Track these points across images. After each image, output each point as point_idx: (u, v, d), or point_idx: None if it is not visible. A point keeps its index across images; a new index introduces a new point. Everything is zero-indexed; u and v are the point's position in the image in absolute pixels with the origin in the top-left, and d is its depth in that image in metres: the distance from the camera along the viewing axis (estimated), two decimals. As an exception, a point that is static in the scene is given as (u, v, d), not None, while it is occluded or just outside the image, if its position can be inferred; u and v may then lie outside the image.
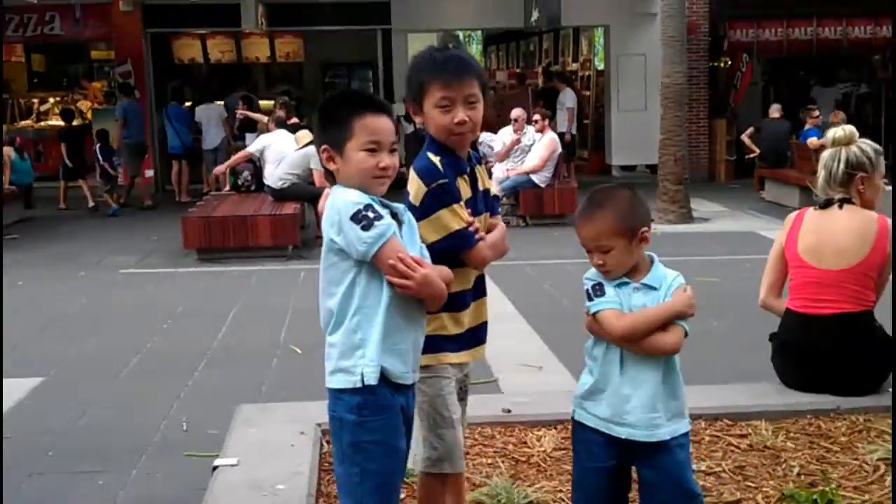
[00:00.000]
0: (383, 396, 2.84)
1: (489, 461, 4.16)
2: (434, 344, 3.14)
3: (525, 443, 4.34)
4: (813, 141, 14.38)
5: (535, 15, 17.63)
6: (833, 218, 4.86)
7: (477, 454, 4.22)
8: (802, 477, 3.94)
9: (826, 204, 4.94)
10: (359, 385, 2.81)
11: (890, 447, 4.04)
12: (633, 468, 3.17)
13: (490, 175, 11.77)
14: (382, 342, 2.82)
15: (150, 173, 18.69)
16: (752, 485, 3.88)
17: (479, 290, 3.29)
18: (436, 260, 3.03)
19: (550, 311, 8.59)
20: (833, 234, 4.81)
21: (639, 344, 3.02)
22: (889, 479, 3.83)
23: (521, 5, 18.17)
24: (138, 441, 5.44)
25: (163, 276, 10.80)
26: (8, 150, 16.25)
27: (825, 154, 5.01)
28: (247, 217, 11.65)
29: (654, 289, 3.05)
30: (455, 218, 3.10)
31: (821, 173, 5.00)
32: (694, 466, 3.89)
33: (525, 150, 13.87)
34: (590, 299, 3.09)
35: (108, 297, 9.78)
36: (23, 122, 20.07)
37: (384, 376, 2.83)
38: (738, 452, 4.21)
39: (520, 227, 13.49)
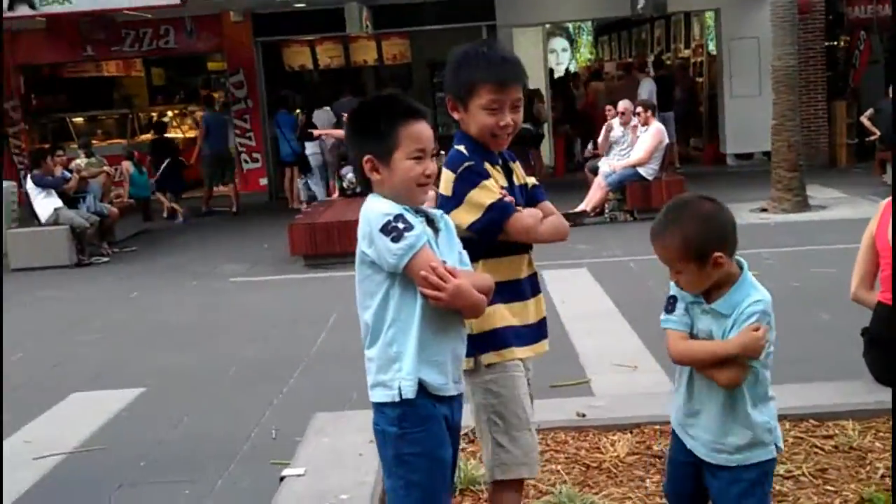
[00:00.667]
0: (424, 407, 2.80)
1: (558, 467, 4.07)
2: (498, 338, 3.11)
3: (598, 448, 4.25)
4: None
5: (641, 2, 17.33)
6: (923, 204, 4.60)
7: (547, 460, 4.14)
8: (887, 479, 3.75)
9: (918, 189, 4.70)
10: (397, 399, 2.78)
11: None
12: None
13: (596, 171, 11.59)
14: (419, 354, 2.77)
15: (263, 181, 19.07)
16: (832, 489, 3.71)
17: (535, 287, 3.27)
18: (480, 242, 3.04)
19: (651, 308, 8.27)
20: (924, 221, 4.56)
21: (697, 370, 2.92)
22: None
23: (628, -7, 17.91)
24: (228, 450, 5.52)
25: (270, 284, 10.97)
26: (126, 165, 16.76)
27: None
28: (350, 222, 11.69)
29: (724, 315, 2.87)
30: (486, 193, 3.08)
31: (912, 157, 4.76)
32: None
33: (632, 142, 13.63)
34: (664, 311, 3.00)
35: (216, 305, 9.98)
36: (143, 136, 20.66)
37: (423, 388, 2.79)
38: (822, 454, 4.03)
39: (627, 222, 13.27)
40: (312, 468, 4.09)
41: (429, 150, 2.84)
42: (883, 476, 3.78)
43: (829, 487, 3.72)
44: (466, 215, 3.08)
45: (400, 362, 2.78)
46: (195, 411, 6.35)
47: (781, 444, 2.98)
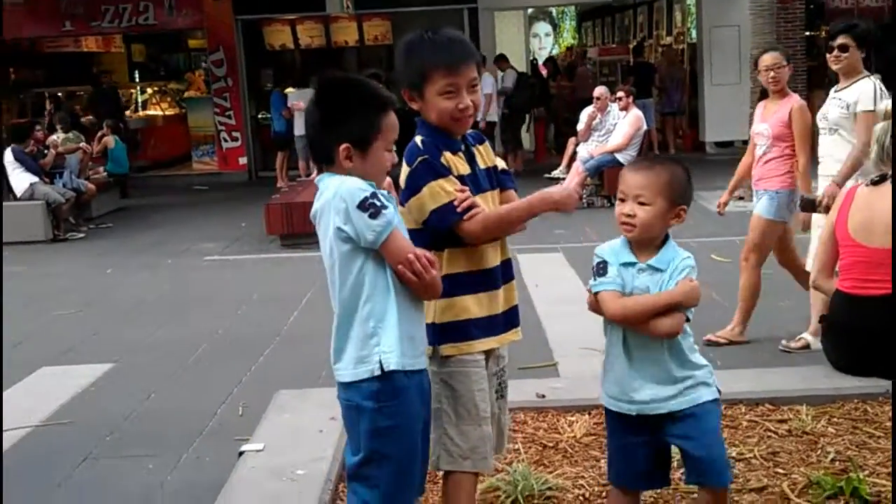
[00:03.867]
0: (398, 380, 2.83)
1: (517, 446, 4.13)
2: (458, 331, 3.10)
3: (556, 428, 4.31)
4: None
5: (622, -12, 17.36)
6: (885, 194, 4.68)
7: (505, 440, 4.19)
8: (837, 463, 3.83)
9: (879, 180, 4.77)
10: (377, 373, 2.81)
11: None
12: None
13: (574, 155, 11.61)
14: (397, 328, 2.82)
15: (243, 160, 19.04)
16: (782, 471, 3.78)
17: (507, 274, 3.25)
18: (434, 237, 3.05)
19: (622, 293, 8.45)
20: (884, 210, 4.62)
21: (635, 327, 2.98)
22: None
23: (611, -22, 17.95)
24: (194, 425, 5.54)
25: (244, 263, 10.97)
26: (108, 140, 16.62)
27: (877, 128, 4.84)
28: (327, 202, 11.70)
29: (660, 270, 3.00)
30: (434, 196, 3.05)
31: (873, 148, 4.84)
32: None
33: (609, 128, 13.67)
34: (593, 277, 3.08)
35: (190, 283, 9.98)
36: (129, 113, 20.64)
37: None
38: (775, 438, 4.10)
39: (604, 208, 13.32)
40: (271, 444, 4.14)
41: (395, 139, 2.92)
42: (833, 460, 3.85)
43: (778, 470, 3.79)
44: (417, 213, 3.08)
45: (378, 336, 2.82)
46: (163, 387, 6.37)
47: (720, 388, 3.11)
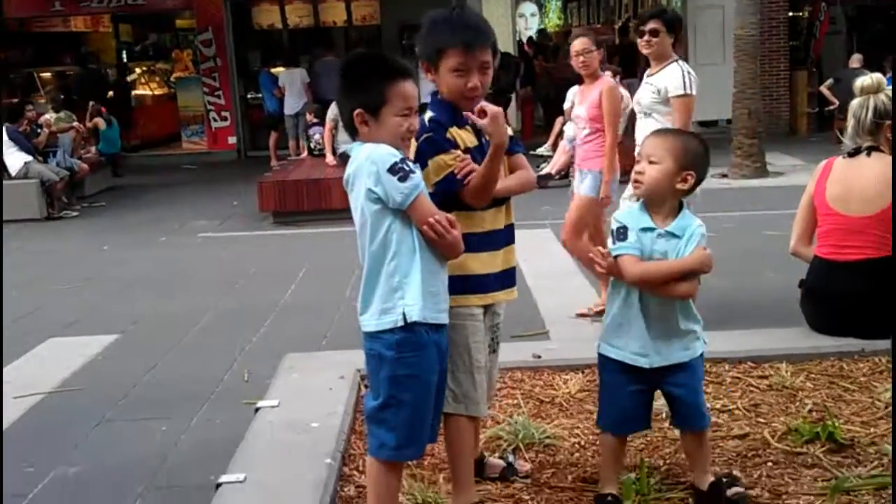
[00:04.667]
0: (420, 335, 3.08)
1: (514, 402, 4.38)
2: (455, 285, 3.31)
3: (552, 385, 4.57)
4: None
5: (607, -31, 17.55)
6: (860, 165, 4.95)
7: (504, 396, 4.46)
8: (814, 413, 4.10)
9: (854, 152, 5.03)
10: (400, 323, 3.05)
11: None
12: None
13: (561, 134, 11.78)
14: (421, 285, 3.06)
15: (232, 140, 19.21)
16: (763, 421, 4.05)
17: (509, 237, 3.51)
18: (440, 203, 3.23)
19: (609, 264, 8.68)
20: (860, 181, 4.91)
21: (652, 289, 3.26)
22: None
23: (596, -41, 18.14)
24: (201, 391, 5.76)
25: (239, 239, 11.19)
26: (97, 121, 16.79)
27: (854, 103, 5.08)
28: (320, 180, 11.93)
29: (677, 237, 3.29)
30: (437, 170, 3.31)
31: (850, 122, 5.09)
32: (710, 404, 4.10)
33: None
34: (613, 241, 3.34)
35: (187, 259, 10.19)
36: (110, 93, 20.69)
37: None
38: (757, 392, 4.37)
39: (590, 184, 13.56)
40: (284, 401, 4.37)
41: (414, 107, 3.13)
42: (810, 410, 4.12)
43: (760, 420, 4.06)
44: (426, 185, 3.27)
45: (402, 290, 3.06)
46: (169, 356, 6.59)
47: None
